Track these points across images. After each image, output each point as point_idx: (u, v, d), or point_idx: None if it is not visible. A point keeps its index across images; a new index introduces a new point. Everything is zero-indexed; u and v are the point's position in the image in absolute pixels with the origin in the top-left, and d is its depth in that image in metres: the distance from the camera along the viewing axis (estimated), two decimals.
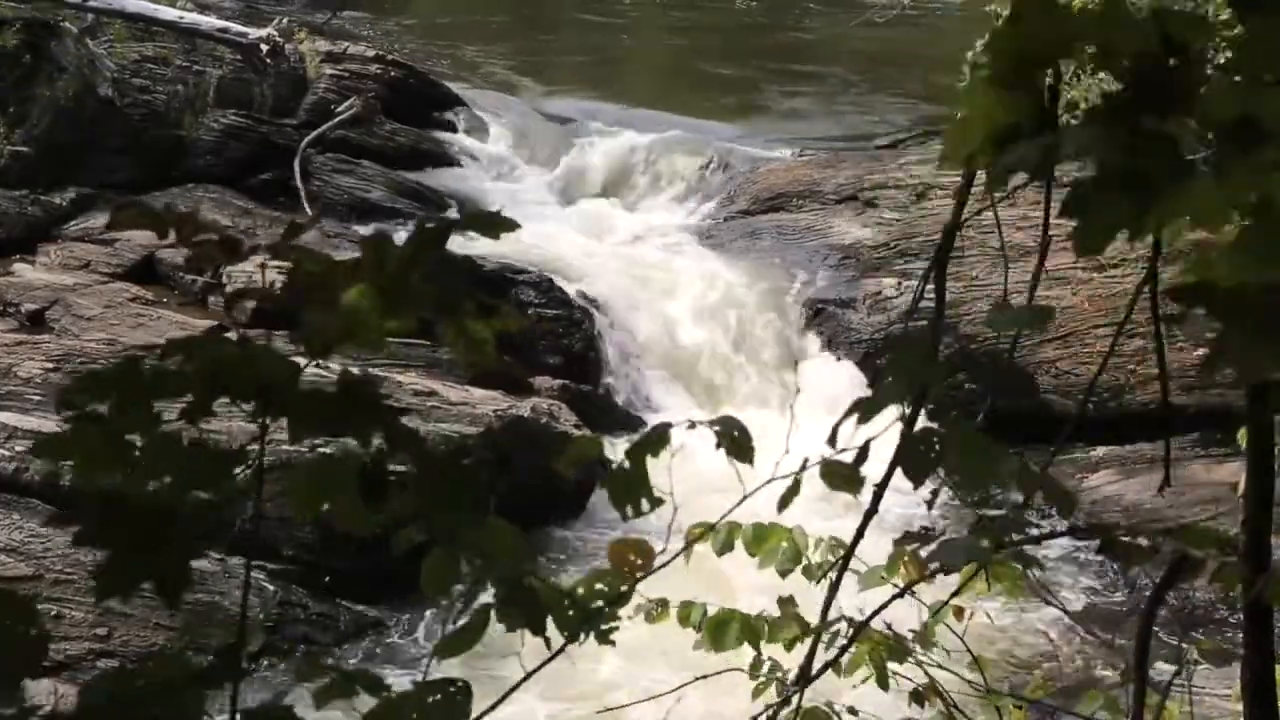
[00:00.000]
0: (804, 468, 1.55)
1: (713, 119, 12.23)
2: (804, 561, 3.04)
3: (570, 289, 9.28)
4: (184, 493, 1.15)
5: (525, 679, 1.56)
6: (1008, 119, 1.26)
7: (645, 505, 1.58)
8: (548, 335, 8.93)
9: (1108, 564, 7.61)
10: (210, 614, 6.36)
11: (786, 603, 2.98)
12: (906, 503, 6.19)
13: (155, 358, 1.18)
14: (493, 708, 1.61)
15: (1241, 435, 2.32)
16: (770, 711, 2.62)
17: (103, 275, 9.03)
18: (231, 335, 1.20)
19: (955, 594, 3.08)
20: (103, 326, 8.38)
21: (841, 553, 2.78)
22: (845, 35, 14.73)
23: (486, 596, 1.45)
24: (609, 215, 10.76)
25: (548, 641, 1.46)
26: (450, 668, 1.47)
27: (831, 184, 10.42)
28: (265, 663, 6.12)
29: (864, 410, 1.42)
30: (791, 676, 2.82)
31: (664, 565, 1.67)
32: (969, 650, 3.12)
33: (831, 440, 1.53)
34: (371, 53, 11.65)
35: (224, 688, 1.26)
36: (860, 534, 2.57)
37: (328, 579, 7.05)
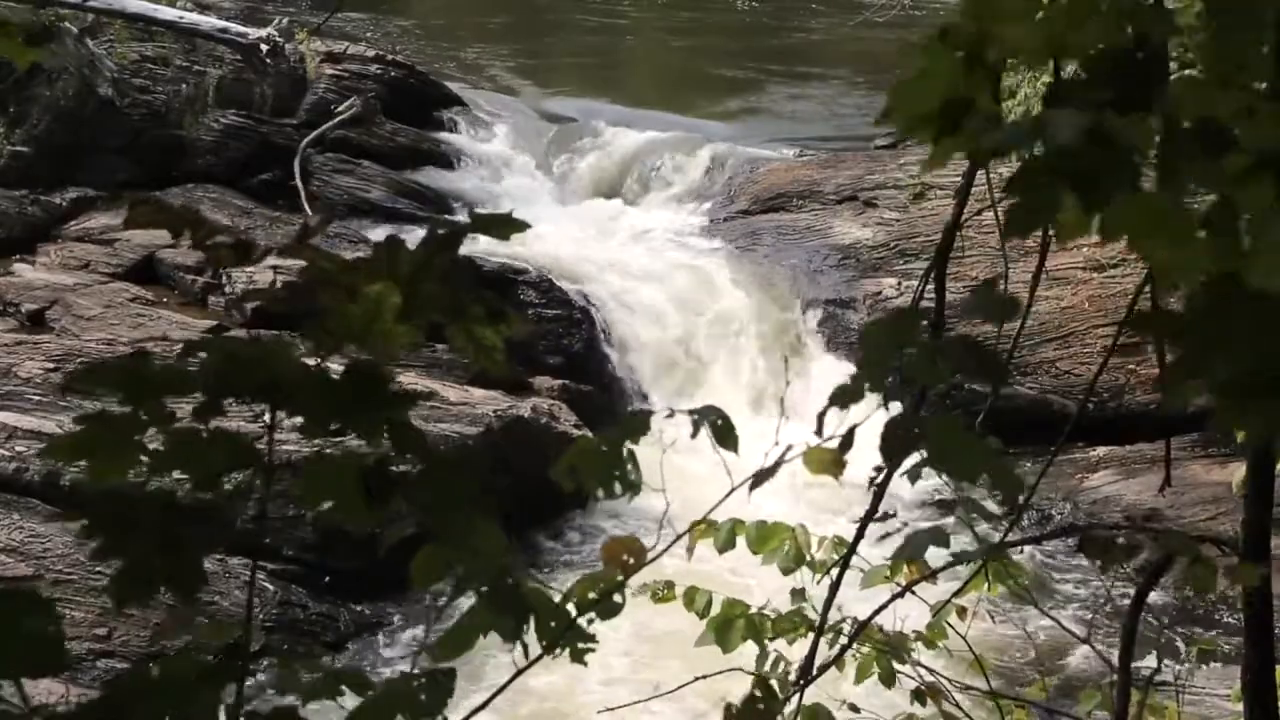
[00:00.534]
0: (786, 453, 1.55)
1: (713, 119, 12.23)
2: (807, 559, 3.06)
3: (570, 289, 9.28)
4: (209, 484, 1.16)
5: (510, 681, 1.56)
6: (966, 93, 1.24)
7: (618, 488, 1.56)
8: (548, 335, 8.94)
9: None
10: (209, 614, 6.35)
11: (798, 595, 3.00)
12: (912, 506, 6.17)
13: (160, 354, 1.18)
14: (482, 707, 1.61)
15: (1241, 435, 2.32)
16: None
17: (103, 275, 9.03)
18: (239, 334, 1.21)
19: (957, 593, 3.10)
20: (103, 326, 8.38)
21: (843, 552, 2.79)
22: (846, 36, 14.74)
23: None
24: (609, 216, 10.75)
25: (525, 649, 1.43)
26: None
27: (831, 184, 10.43)
28: (265, 663, 6.12)
29: (845, 397, 1.41)
30: (793, 675, 2.82)
31: (655, 558, 1.66)
32: (971, 650, 3.12)
33: (819, 429, 1.53)
34: (371, 53, 11.64)
35: (227, 687, 1.26)
36: (860, 534, 2.58)
37: (328, 579, 7.06)
